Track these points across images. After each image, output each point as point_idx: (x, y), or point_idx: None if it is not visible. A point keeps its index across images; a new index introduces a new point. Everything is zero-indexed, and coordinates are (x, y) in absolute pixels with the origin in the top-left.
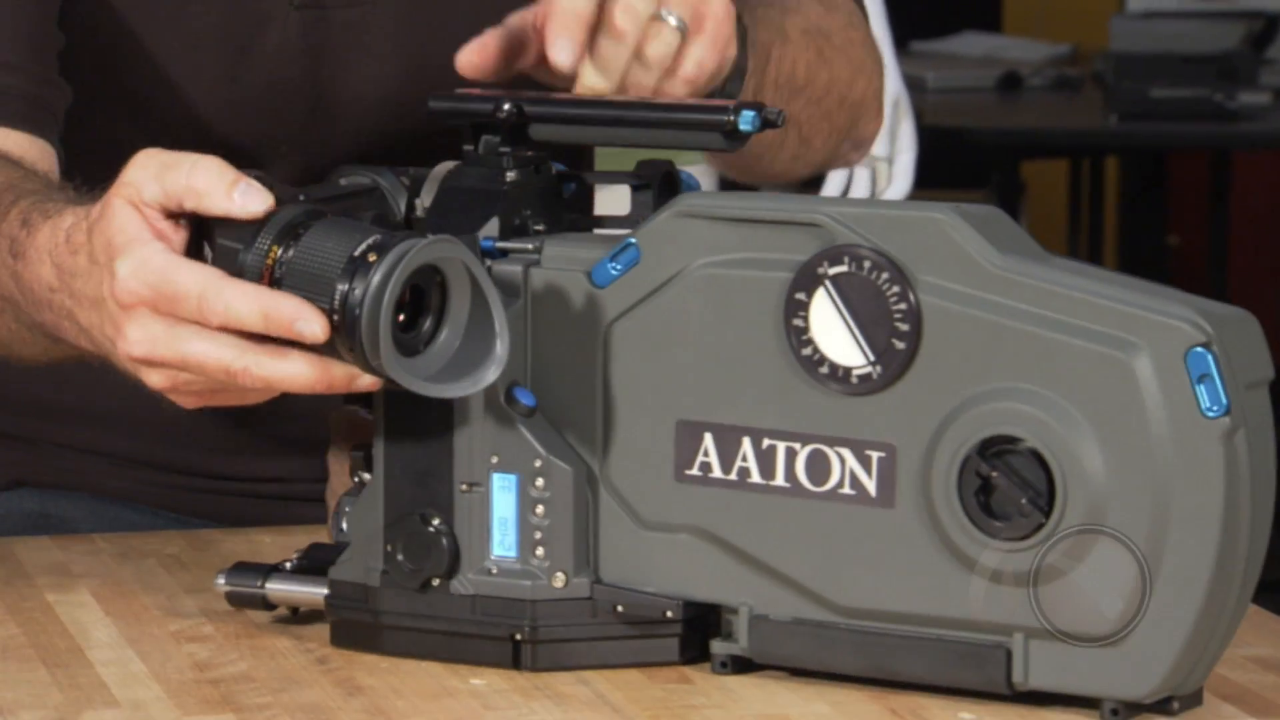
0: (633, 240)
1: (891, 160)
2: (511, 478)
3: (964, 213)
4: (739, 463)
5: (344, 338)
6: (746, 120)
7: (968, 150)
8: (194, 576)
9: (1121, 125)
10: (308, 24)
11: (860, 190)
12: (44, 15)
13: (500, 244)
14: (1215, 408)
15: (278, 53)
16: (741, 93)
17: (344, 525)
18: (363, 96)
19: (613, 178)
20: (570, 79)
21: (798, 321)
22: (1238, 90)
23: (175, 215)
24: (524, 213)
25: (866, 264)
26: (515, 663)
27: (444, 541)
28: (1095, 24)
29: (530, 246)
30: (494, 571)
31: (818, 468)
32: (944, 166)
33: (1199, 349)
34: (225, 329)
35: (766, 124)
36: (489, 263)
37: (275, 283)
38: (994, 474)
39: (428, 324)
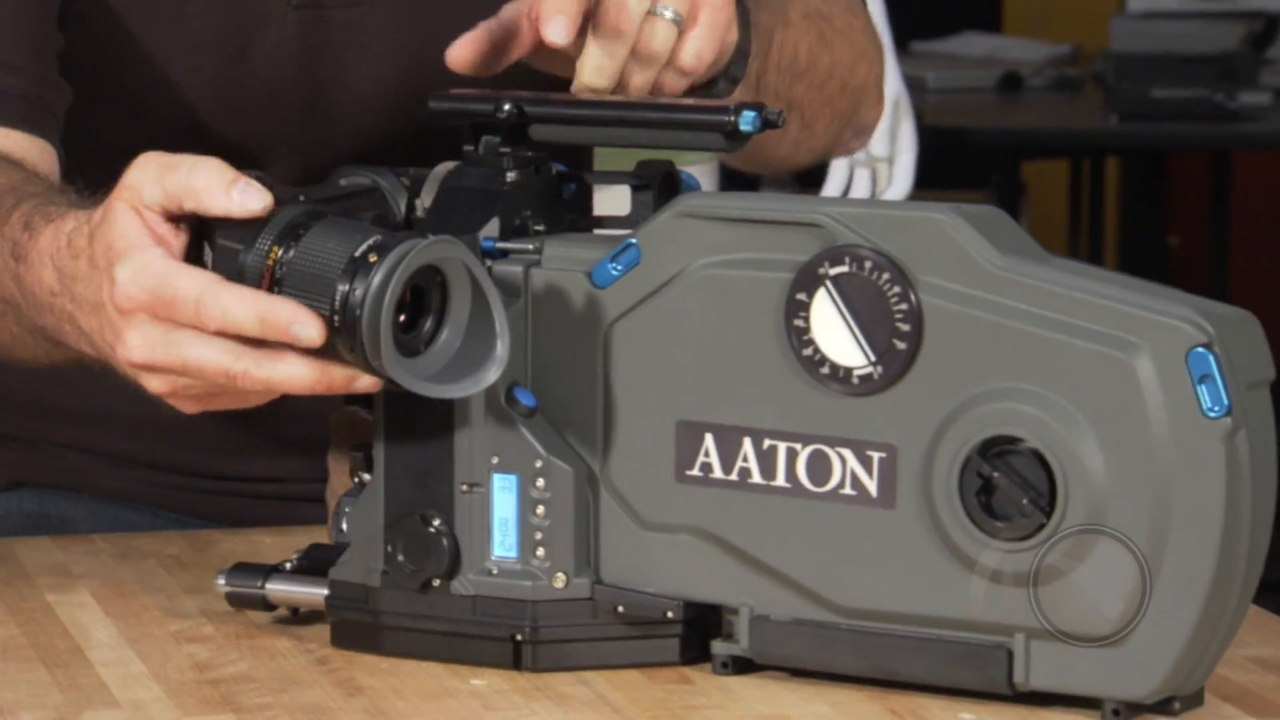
0: (633, 240)
1: (892, 160)
2: (512, 478)
3: (964, 213)
4: (740, 463)
5: (344, 338)
6: (747, 121)
7: (968, 150)
8: (194, 577)
9: (1122, 125)
10: (306, 24)
11: (861, 190)
12: (43, 15)
13: (500, 244)
14: (1216, 408)
15: (276, 53)
16: (744, 75)
17: (344, 526)
18: (361, 96)
19: (613, 178)
20: (567, 59)
21: (798, 322)
22: (1238, 90)
23: (176, 218)
24: (524, 213)
25: (867, 264)
26: (516, 663)
27: (444, 542)
28: (1096, 24)
29: (530, 247)
30: (494, 572)
31: (819, 468)
32: (944, 167)
33: (1200, 349)
34: (222, 333)
35: (767, 124)
36: (489, 263)
37: (276, 283)
38: (995, 474)
39: (428, 324)
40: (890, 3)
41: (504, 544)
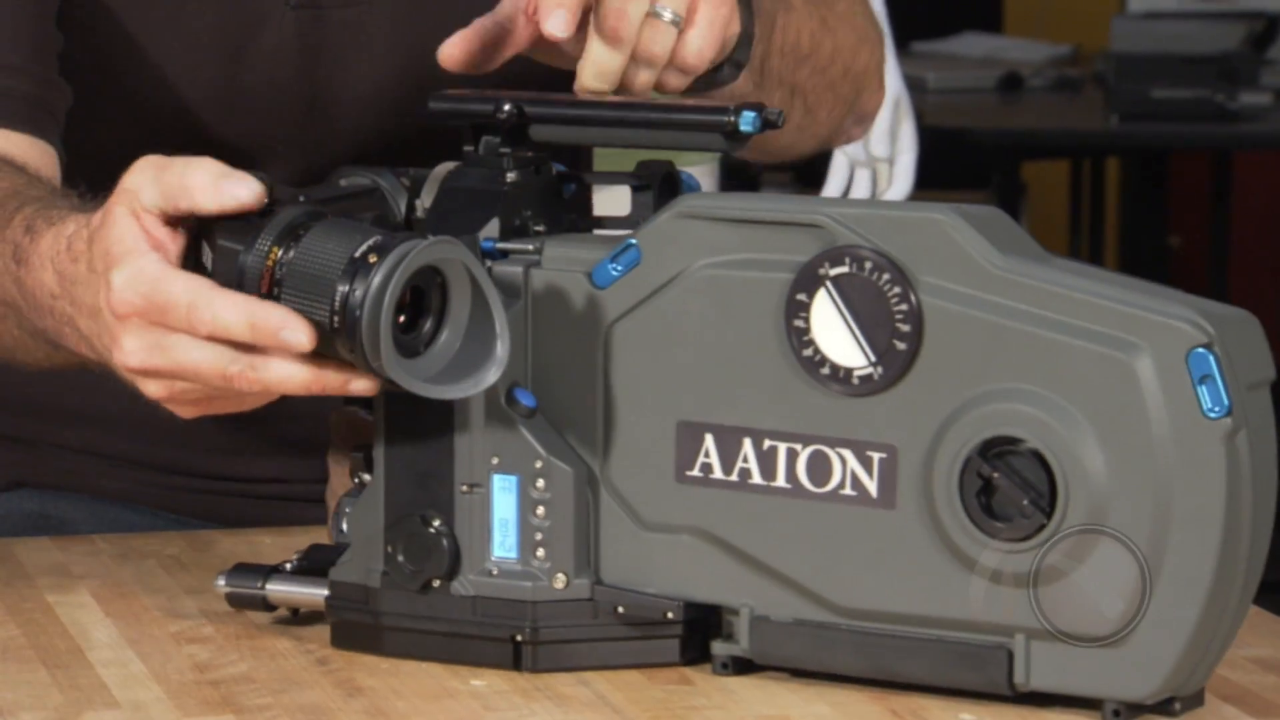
0: (633, 241)
1: (892, 161)
2: (512, 479)
3: (965, 213)
4: (740, 464)
5: (344, 339)
6: (747, 121)
7: (969, 151)
8: (194, 577)
9: (1122, 126)
10: (304, 24)
11: (861, 191)
12: (43, 16)
13: (500, 245)
14: (1217, 408)
15: (274, 53)
16: (749, 60)
17: (344, 526)
18: (360, 96)
19: (613, 178)
20: (566, 54)
21: (799, 322)
22: (1239, 91)
23: (175, 221)
24: (524, 213)
25: (867, 265)
26: (516, 664)
27: (444, 543)
28: (1096, 24)
29: (531, 247)
30: (494, 572)
31: (819, 469)
32: (945, 167)
33: (1200, 350)
34: (214, 338)
35: (767, 125)
36: (489, 264)
37: (276, 284)
38: (995, 475)
39: (428, 325)
40: (891, 3)
41: (504, 544)
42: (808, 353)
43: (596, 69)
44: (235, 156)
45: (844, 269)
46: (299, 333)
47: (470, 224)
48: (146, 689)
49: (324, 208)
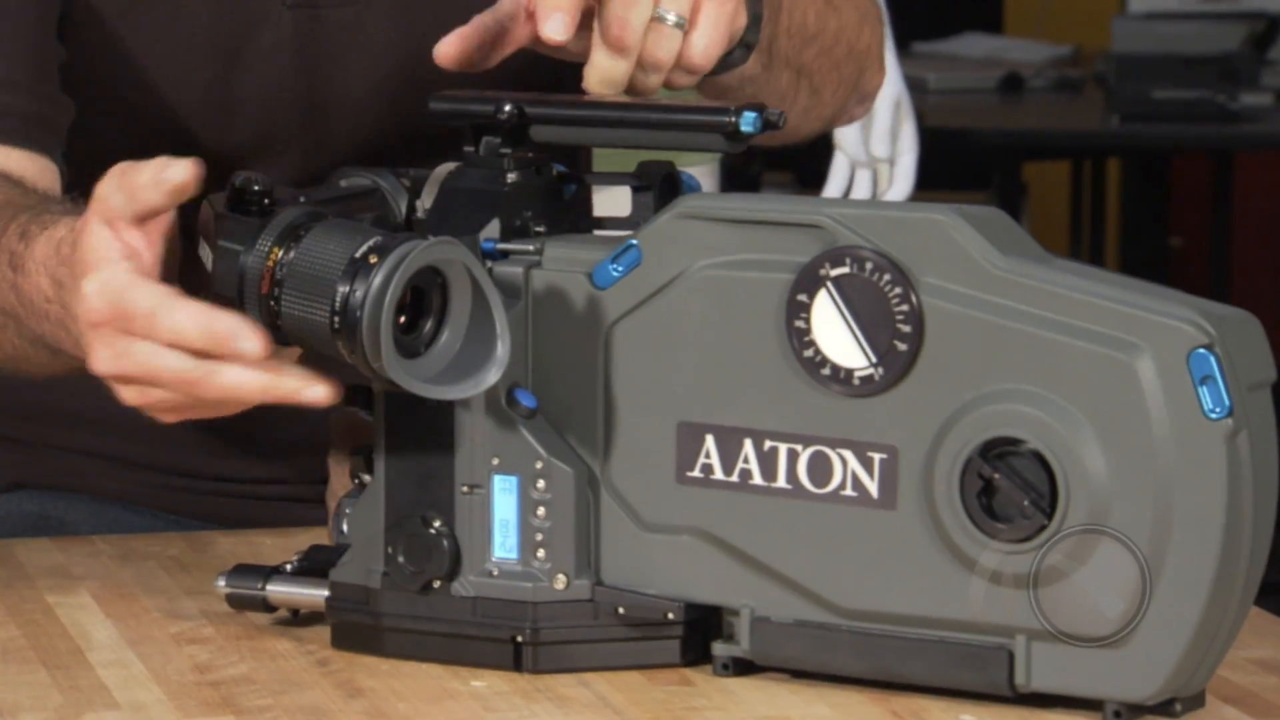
0: (634, 242)
1: (893, 162)
2: (512, 479)
3: (965, 214)
4: (740, 464)
5: (345, 340)
6: (748, 122)
7: (969, 152)
8: (194, 578)
9: (1123, 126)
10: (301, 24)
11: (862, 192)
12: (43, 30)
13: (501, 245)
14: (1218, 409)
15: (272, 54)
16: (758, 41)
17: (345, 527)
18: (358, 96)
19: (614, 179)
20: (570, 51)
21: (799, 323)
22: (1239, 91)
23: (153, 226)
24: (525, 214)
25: (868, 265)
26: (516, 665)
27: (445, 543)
28: (1097, 25)
29: (531, 248)
30: (495, 573)
31: (819, 469)
32: (946, 168)
33: (1201, 350)
34: (174, 345)
35: (768, 125)
36: (490, 264)
37: (276, 284)
38: (996, 476)
39: (429, 326)
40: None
41: (504, 545)
42: (808, 353)
43: (602, 76)
44: (235, 158)
45: (845, 269)
46: (250, 341)
47: (471, 224)
48: (147, 690)
49: (324, 208)
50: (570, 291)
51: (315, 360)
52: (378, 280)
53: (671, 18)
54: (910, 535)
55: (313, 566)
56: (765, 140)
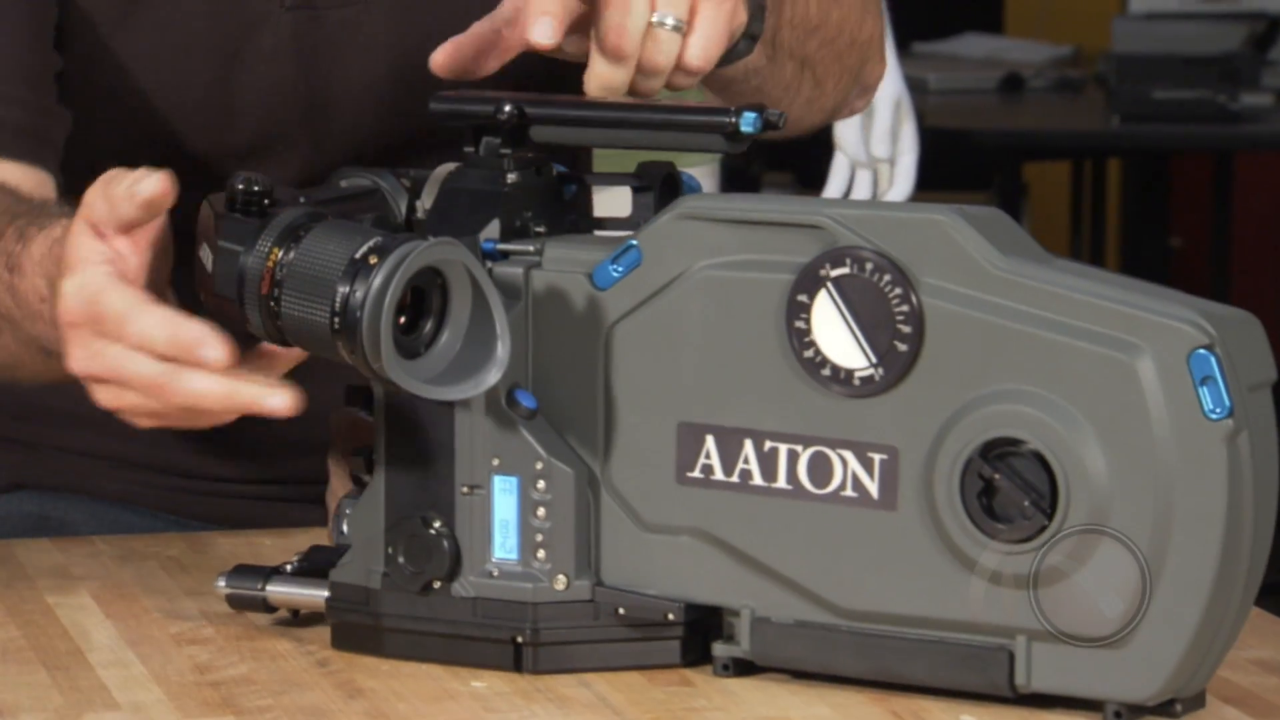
0: (634, 242)
1: (893, 162)
2: (512, 480)
3: (966, 214)
4: (741, 465)
5: (345, 340)
6: (748, 122)
7: (970, 152)
8: (194, 579)
9: (1124, 127)
10: (300, 25)
11: (862, 192)
12: (39, 40)
13: (501, 246)
14: (1218, 410)
15: (271, 55)
16: (762, 32)
17: (345, 528)
18: (358, 96)
19: (614, 179)
20: (568, 53)
21: (799, 323)
22: (1240, 92)
23: (139, 233)
24: (525, 214)
25: (868, 266)
26: (516, 665)
27: (445, 544)
28: (1097, 25)
29: (531, 248)
30: (495, 574)
31: (820, 470)
32: (946, 168)
33: (1202, 351)
34: (142, 350)
35: (768, 126)
36: (490, 265)
37: (276, 284)
38: (996, 476)
39: (429, 326)
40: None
41: (505, 546)
42: (809, 354)
43: (601, 84)
44: (234, 159)
45: (845, 270)
46: (215, 349)
47: (471, 225)
48: (147, 690)
49: (324, 209)
50: (570, 292)
51: (316, 360)
52: (378, 281)
53: (670, 21)
54: (910, 536)
55: (313, 567)
56: (768, 133)
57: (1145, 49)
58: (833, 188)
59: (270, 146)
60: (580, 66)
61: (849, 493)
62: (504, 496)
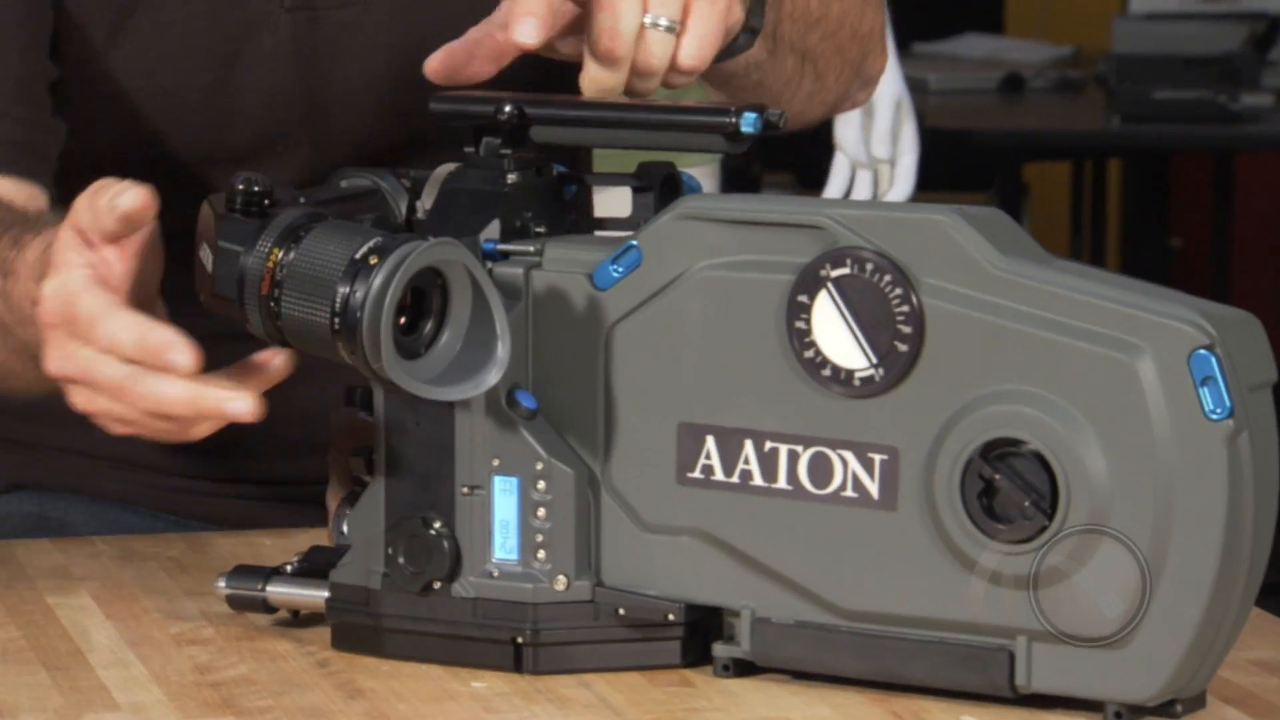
0: (634, 242)
1: (894, 162)
2: (513, 480)
3: (966, 215)
4: (741, 465)
5: (345, 341)
6: (748, 122)
7: (970, 152)
8: (194, 579)
9: (1124, 127)
10: (299, 26)
11: (862, 192)
12: (33, 53)
13: (501, 246)
14: (1219, 410)
15: (271, 56)
16: (763, 26)
17: (345, 528)
18: (358, 97)
19: (614, 179)
20: (563, 53)
21: (800, 324)
22: (1240, 92)
23: (127, 242)
24: (525, 215)
25: (869, 266)
26: (516, 666)
27: (445, 544)
28: (1097, 25)
29: (531, 249)
30: (495, 574)
31: (820, 470)
32: (946, 169)
33: (1202, 351)
34: (110, 353)
35: (768, 126)
36: (490, 265)
37: (276, 285)
38: (997, 476)
39: (429, 327)
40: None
41: (505, 546)
42: (809, 354)
43: (596, 86)
44: (234, 160)
45: (845, 270)
46: (182, 354)
47: (471, 225)
48: (147, 691)
49: (324, 209)
50: (570, 292)
51: (316, 360)
52: (378, 281)
53: (662, 23)
54: (911, 536)
55: (313, 567)
56: (769, 132)
57: (1145, 49)
58: (833, 188)
59: (270, 147)
60: (579, 67)
61: (849, 493)
62: (504, 497)
